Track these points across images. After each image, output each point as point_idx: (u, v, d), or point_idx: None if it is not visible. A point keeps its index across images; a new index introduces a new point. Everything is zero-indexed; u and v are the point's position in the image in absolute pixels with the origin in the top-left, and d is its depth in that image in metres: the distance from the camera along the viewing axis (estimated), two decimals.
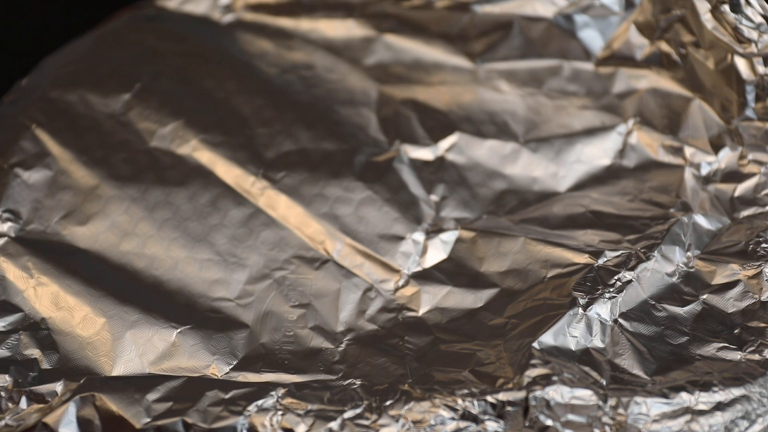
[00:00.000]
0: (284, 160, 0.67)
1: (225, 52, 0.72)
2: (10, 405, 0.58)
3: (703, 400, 0.56)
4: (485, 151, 0.68)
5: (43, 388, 0.58)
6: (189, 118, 0.69)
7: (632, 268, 0.61)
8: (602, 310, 0.60)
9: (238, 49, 0.73)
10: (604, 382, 0.57)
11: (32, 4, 0.80)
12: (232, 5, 0.75)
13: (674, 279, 0.62)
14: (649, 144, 0.68)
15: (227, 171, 0.67)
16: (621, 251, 0.62)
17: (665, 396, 0.56)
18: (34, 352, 0.60)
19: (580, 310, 0.59)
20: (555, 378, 0.56)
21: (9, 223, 0.64)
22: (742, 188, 0.65)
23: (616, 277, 0.61)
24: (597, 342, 0.59)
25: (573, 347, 0.59)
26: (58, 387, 0.59)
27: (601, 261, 0.62)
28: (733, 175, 0.66)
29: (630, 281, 0.61)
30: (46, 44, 0.75)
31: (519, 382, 0.56)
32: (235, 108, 0.70)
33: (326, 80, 0.71)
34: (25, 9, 0.80)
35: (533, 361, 0.57)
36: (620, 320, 0.60)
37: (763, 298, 0.60)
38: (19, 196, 0.65)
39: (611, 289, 0.61)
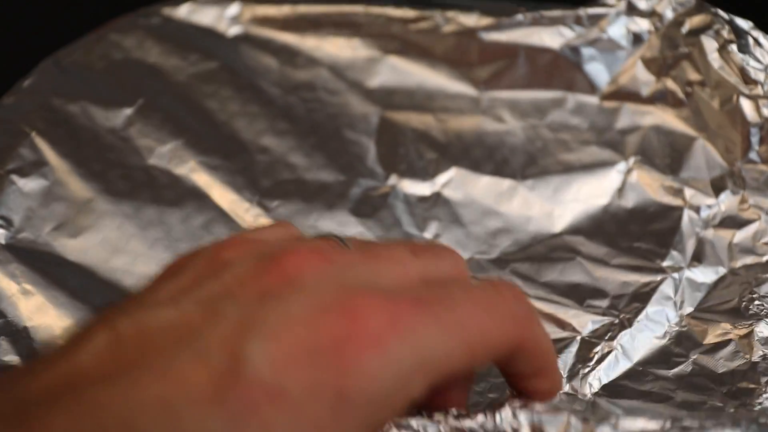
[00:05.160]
0: (280, 189, 0.67)
1: (229, 69, 0.72)
2: None
3: None
4: (482, 188, 0.67)
5: None
6: (189, 138, 0.68)
7: (613, 338, 0.60)
8: (581, 384, 0.58)
9: (242, 65, 0.72)
10: None
11: (32, 4, 0.80)
12: (239, 17, 0.74)
13: (664, 341, 0.60)
14: (649, 184, 0.67)
15: (223, 195, 0.66)
16: (606, 317, 0.61)
17: None
18: (14, 359, 0.59)
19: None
20: None
21: (0, 230, 0.64)
22: (740, 235, 0.64)
23: (595, 350, 0.59)
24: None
25: None
26: None
27: (585, 332, 0.60)
28: (733, 220, 0.65)
29: (611, 351, 0.59)
30: (46, 44, 0.74)
31: None
32: (235, 132, 0.69)
33: (328, 104, 0.71)
34: (25, 9, 0.79)
35: None
36: (601, 393, 0.58)
37: (753, 359, 0.59)
38: (13, 203, 0.65)
39: (591, 363, 0.59)
